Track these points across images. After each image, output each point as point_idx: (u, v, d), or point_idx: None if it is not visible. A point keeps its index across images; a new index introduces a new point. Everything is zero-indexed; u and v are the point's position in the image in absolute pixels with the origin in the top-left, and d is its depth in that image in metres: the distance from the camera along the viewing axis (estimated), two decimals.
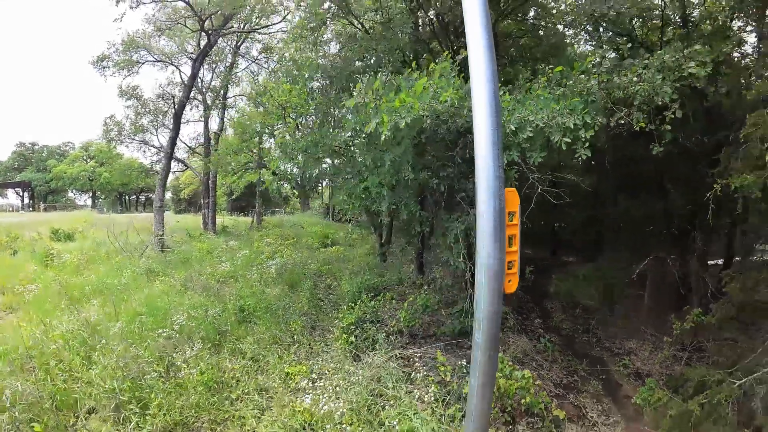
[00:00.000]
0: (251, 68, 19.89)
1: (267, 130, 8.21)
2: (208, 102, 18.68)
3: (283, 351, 5.79)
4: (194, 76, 14.06)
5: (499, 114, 2.10)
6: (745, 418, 4.00)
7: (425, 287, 8.65)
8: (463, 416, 4.08)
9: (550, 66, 4.02)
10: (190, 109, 18.93)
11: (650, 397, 4.74)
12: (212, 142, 18.79)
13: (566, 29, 6.54)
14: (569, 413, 4.71)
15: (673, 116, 3.70)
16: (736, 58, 5.56)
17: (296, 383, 4.76)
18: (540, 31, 7.68)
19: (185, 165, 20.88)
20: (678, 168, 6.34)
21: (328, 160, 5.97)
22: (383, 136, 3.19)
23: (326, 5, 4.75)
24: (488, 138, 2.00)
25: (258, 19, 15.28)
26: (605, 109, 3.88)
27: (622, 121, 3.92)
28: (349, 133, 4.45)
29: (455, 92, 3.24)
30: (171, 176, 34.16)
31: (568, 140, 3.48)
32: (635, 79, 3.70)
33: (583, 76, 3.80)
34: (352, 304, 7.18)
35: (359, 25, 4.91)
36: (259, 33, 16.69)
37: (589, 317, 8.30)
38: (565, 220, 10.01)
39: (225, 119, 19.51)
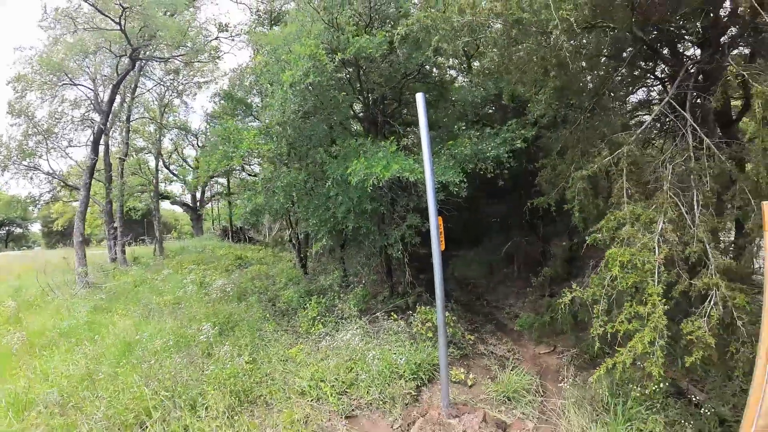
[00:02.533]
0: (155, 90, 19.62)
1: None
2: (108, 125, 17.78)
3: (274, 343, 7.40)
4: (112, 101, 13.74)
5: (434, 176, 4.63)
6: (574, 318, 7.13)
7: (351, 286, 10.78)
8: (416, 349, 6.54)
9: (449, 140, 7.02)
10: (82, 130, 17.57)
11: (524, 323, 7.89)
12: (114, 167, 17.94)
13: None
14: (477, 341, 7.58)
15: (509, 165, 7.02)
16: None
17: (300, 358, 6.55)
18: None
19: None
20: (526, 181, 9.83)
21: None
22: (369, 187, 5.54)
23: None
24: (431, 190, 4.50)
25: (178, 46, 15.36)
26: (472, 162, 6.98)
27: (482, 171, 7.09)
28: (329, 181, 6.56)
29: (410, 168, 5.83)
30: (41, 205, 29.59)
31: (456, 189, 6.40)
32: (489, 148, 6.87)
33: (462, 148, 6.83)
34: (311, 303, 8.81)
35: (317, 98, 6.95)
36: (180, 60, 16.72)
37: (478, 288, 11.68)
38: (453, 223, 13.35)
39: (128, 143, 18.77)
